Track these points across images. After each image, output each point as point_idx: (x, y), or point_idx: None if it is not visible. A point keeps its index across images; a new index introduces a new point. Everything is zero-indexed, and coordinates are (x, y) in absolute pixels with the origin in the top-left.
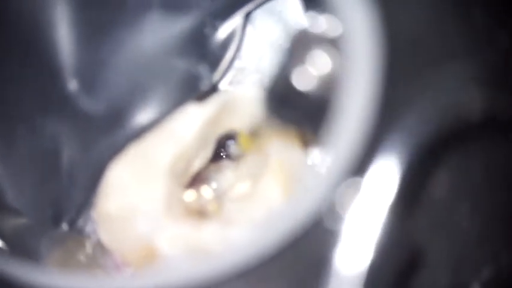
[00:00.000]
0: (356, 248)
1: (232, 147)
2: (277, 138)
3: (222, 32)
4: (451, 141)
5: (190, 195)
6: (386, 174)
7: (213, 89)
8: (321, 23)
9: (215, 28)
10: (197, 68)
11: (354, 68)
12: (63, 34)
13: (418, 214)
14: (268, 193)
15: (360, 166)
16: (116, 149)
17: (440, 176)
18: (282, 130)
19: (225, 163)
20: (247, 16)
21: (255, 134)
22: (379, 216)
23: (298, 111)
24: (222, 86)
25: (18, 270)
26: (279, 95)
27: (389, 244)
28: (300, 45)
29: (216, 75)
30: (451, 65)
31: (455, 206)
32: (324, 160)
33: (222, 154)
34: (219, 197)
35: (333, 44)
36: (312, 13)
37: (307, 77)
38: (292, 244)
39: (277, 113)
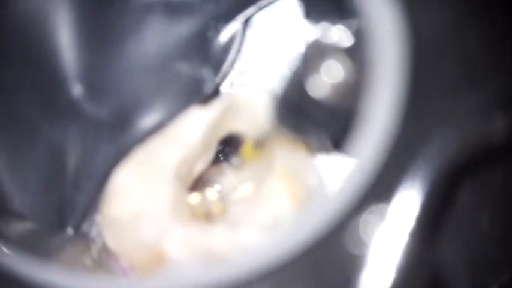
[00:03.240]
0: (378, 272)
1: (234, 157)
2: (282, 145)
3: (224, 35)
4: (472, 165)
5: (195, 198)
6: (409, 199)
7: (216, 92)
8: (334, 34)
9: (218, 31)
10: (200, 71)
11: (378, 84)
12: (67, 39)
13: (441, 237)
14: (274, 195)
15: (384, 192)
16: (121, 154)
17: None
18: (288, 138)
19: (226, 165)
20: (248, 19)
21: (259, 142)
22: (402, 241)
23: (309, 119)
24: (223, 88)
25: (27, 268)
26: (291, 102)
27: (412, 269)
28: (314, 54)
29: (218, 78)
30: (474, 90)
31: (476, 211)
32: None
33: (221, 158)
34: (224, 198)
35: (346, 54)
36: (324, 24)
37: (321, 85)
38: (306, 252)
39: (287, 121)
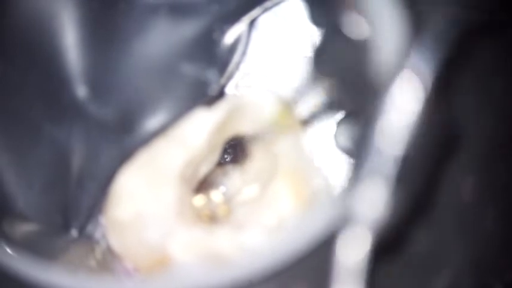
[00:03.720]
0: (394, 129)
1: (243, 156)
2: (286, 143)
3: (229, 36)
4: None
5: (200, 200)
6: (421, 67)
7: (221, 93)
8: None
9: (223, 33)
10: (205, 73)
11: None
12: (71, 40)
13: (451, 102)
14: (279, 197)
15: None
16: (125, 155)
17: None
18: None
19: (231, 167)
20: (253, 20)
21: (264, 138)
22: (415, 101)
23: (344, 59)
24: (228, 90)
25: (29, 270)
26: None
27: (425, 128)
28: None
29: (223, 79)
30: None
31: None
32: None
33: (226, 159)
34: (229, 200)
35: None
36: None
37: (357, 24)
38: (311, 253)
39: (324, 65)
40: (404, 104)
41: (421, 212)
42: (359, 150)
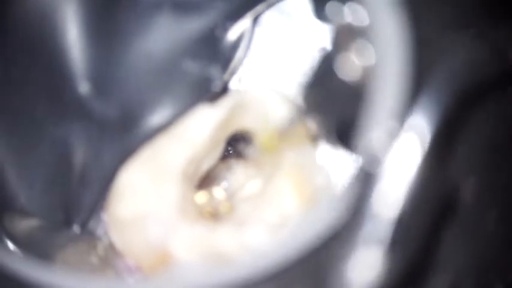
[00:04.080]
0: (390, 193)
1: (249, 148)
2: (291, 141)
3: (233, 33)
4: (473, 93)
5: (202, 196)
6: (421, 125)
7: (224, 89)
8: (363, 16)
9: (226, 29)
10: (209, 70)
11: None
12: (74, 37)
13: (450, 163)
14: (282, 193)
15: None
16: (128, 152)
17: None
18: (301, 128)
19: (234, 161)
20: (257, 17)
21: (272, 136)
22: (413, 164)
23: (335, 100)
24: (232, 86)
25: (31, 270)
26: (319, 83)
27: (423, 191)
28: (344, 35)
29: (227, 76)
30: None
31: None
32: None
33: (230, 151)
34: (231, 196)
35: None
36: (353, 5)
37: (350, 66)
38: (313, 251)
39: (314, 102)
40: (401, 164)
41: (417, 275)
42: (354, 214)
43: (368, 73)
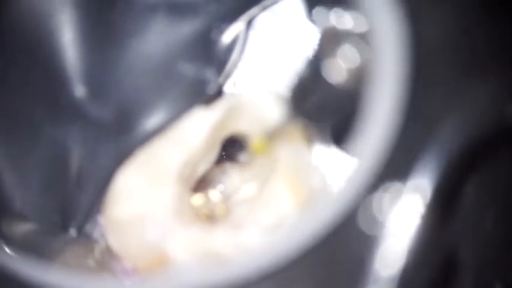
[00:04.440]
0: (391, 252)
1: (242, 154)
2: (286, 142)
3: (228, 35)
4: (481, 149)
5: (198, 199)
6: (422, 183)
7: (219, 92)
8: (348, 20)
9: (221, 32)
10: (204, 72)
11: (381, 72)
12: (70, 40)
13: (452, 221)
14: (277, 196)
15: (396, 174)
16: (124, 155)
17: (468, 185)
18: (295, 129)
19: (229, 165)
20: (251, 19)
21: (268, 137)
22: (414, 223)
23: (323, 104)
24: (226, 89)
25: (29, 269)
26: (306, 88)
27: (424, 251)
28: (329, 39)
29: (222, 78)
30: (482, 78)
31: (481, 212)
32: (349, 165)
33: (224, 156)
34: (227, 199)
35: (361, 38)
36: (338, 10)
37: (336, 70)
38: (309, 253)
39: (301, 107)
40: (402, 222)
41: None
42: (357, 274)
43: (355, 76)
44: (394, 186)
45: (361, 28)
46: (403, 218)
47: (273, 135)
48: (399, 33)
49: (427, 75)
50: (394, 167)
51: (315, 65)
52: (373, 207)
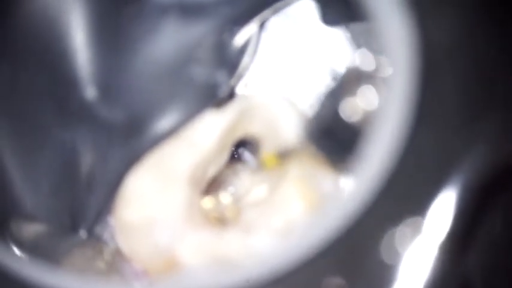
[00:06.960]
0: (409, 283)
1: (249, 159)
2: (297, 161)
3: (240, 38)
4: (504, 183)
5: (208, 202)
6: (442, 213)
7: (230, 95)
8: (372, 61)
9: (233, 34)
10: (215, 75)
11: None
12: (80, 42)
13: (471, 253)
14: (288, 200)
15: (418, 205)
16: (134, 157)
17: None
18: (312, 156)
19: (240, 166)
20: (263, 22)
21: (282, 154)
22: (433, 253)
23: (339, 141)
24: (238, 91)
25: (38, 273)
26: (323, 123)
27: (441, 281)
28: (351, 79)
29: (233, 81)
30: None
31: (508, 245)
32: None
33: (236, 156)
34: (237, 201)
35: (382, 82)
36: (363, 51)
37: (354, 109)
38: (318, 257)
39: (317, 141)
40: (418, 255)
41: None
42: None
43: (370, 117)
44: (413, 219)
45: (384, 72)
46: (421, 250)
47: (285, 154)
48: (410, 47)
49: (448, 111)
50: (412, 200)
51: (333, 102)
52: (395, 239)
